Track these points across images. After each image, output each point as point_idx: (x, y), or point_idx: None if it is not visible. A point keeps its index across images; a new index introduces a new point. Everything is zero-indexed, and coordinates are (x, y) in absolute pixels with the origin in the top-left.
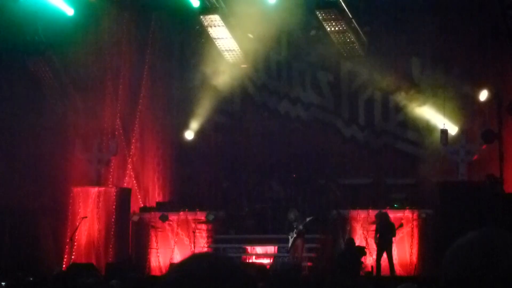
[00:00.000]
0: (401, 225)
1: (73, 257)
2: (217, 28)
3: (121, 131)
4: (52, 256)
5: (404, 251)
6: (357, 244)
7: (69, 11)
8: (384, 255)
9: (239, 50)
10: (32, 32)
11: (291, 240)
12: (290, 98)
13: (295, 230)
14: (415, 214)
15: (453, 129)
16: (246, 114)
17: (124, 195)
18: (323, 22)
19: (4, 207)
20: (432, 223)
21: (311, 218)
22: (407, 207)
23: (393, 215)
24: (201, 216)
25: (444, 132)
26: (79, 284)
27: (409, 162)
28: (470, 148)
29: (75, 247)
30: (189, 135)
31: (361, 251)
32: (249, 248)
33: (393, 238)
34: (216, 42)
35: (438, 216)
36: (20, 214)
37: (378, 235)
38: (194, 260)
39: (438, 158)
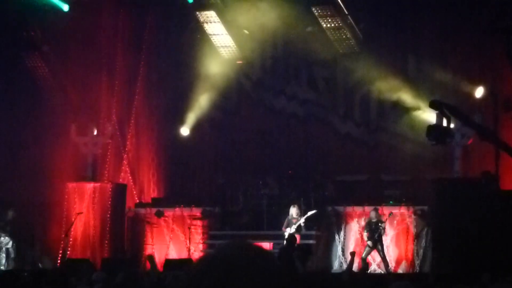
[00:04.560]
0: (390, 214)
1: (68, 252)
2: (212, 24)
3: (116, 127)
4: (47, 251)
5: (400, 248)
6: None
7: (64, 7)
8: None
9: (235, 46)
10: (28, 27)
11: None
12: (286, 94)
13: (293, 226)
14: (410, 211)
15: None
16: (242, 110)
17: (119, 191)
18: (319, 19)
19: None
20: (427, 220)
21: (313, 212)
22: (402, 204)
23: (388, 211)
24: (197, 212)
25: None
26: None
27: (405, 158)
28: (465, 132)
29: (70, 242)
30: (184, 131)
31: (307, 250)
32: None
33: (383, 234)
34: (211, 38)
35: (433, 213)
36: (14, 206)
37: (367, 233)
38: (227, 248)
39: (433, 155)
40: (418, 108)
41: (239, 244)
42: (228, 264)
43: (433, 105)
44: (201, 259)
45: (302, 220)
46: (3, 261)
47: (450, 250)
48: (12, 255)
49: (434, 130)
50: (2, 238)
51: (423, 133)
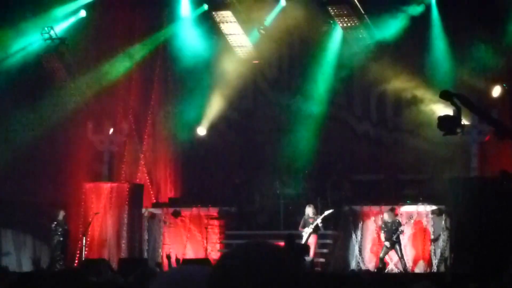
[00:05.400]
0: (411, 218)
1: (85, 252)
2: (229, 24)
3: (133, 127)
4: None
5: (417, 247)
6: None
7: (81, 13)
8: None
9: (251, 46)
10: (45, 29)
11: (305, 236)
12: (302, 94)
13: (310, 226)
14: (427, 210)
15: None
16: (258, 110)
17: (136, 191)
18: (335, 18)
19: (16, 201)
20: (444, 219)
21: (330, 211)
22: (420, 203)
23: (406, 211)
24: (214, 212)
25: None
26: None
27: (422, 157)
28: (482, 128)
29: (88, 242)
30: (201, 131)
31: (305, 249)
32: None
33: (400, 235)
34: (228, 38)
35: (451, 212)
36: (33, 208)
37: (384, 233)
38: (245, 248)
39: (450, 154)
40: (434, 107)
41: (256, 243)
42: (246, 263)
43: (443, 95)
44: (220, 258)
45: (319, 220)
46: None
47: (468, 249)
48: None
49: (444, 120)
50: (54, 239)
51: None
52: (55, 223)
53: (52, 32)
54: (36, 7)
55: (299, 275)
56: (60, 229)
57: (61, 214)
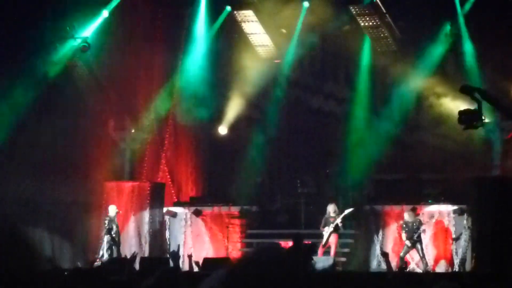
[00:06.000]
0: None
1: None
2: (250, 24)
3: (154, 127)
4: (86, 249)
5: (438, 247)
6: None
7: (104, 13)
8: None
9: (272, 45)
10: (67, 28)
11: (326, 235)
12: (323, 93)
13: (331, 225)
14: (449, 210)
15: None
16: (279, 109)
17: (158, 190)
18: (357, 17)
19: (37, 198)
20: (466, 219)
21: (350, 210)
22: (441, 203)
23: (427, 210)
24: (235, 211)
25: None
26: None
27: (443, 157)
28: (504, 126)
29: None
30: (222, 130)
31: (312, 249)
32: (282, 243)
33: (422, 234)
34: (249, 37)
35: (473, 212)
36: (55, 205)
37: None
38: (261, 251)
39: (472, 153)
40: (456, 106)
41: (264, 248)
42: (256, 266)
43: (464, 89)
44: (238, 263)
45: (339, 219)
46: (105, 254)
47: (490, 249)
48: (114, 254)
49: (464, 114)
50: (106, 236)
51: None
52: (108, 219)
53: (74, 32)
54: (59, 7)
55: (304, 275)
56: (113, 226)
57: (113, 210)
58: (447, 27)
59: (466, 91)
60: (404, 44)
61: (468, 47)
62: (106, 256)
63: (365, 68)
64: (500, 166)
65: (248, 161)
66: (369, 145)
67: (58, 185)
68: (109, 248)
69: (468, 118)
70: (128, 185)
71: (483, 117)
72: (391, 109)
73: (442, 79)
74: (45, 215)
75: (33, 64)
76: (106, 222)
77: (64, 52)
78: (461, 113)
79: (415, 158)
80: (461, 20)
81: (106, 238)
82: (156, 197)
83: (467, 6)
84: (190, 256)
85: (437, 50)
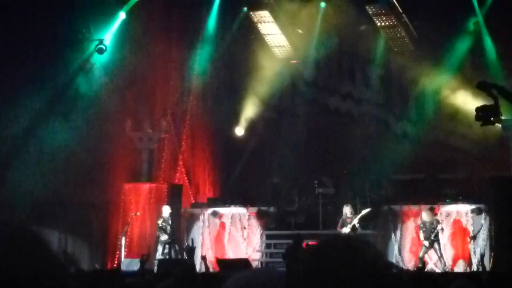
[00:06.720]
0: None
1: (125, 253)
2: (266, 24)
3: (172, 128)
4: (102, 250)
5: (456, 246)
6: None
7: (121, 14)
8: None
9: (289, 46)
10: (83, 30)
11: None
12: (340, 93)
13: (348, 226)
14: (467, 209)
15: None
16: (296, 110)
17: (175, 192)
18: (373, 17)
19: (55, 200)
20: (484, 218)
21: (367, 210)
22: (459, 202)
23: (445, 210)
24: (252, 212)
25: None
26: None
27: (461, 156)
28: None
29: (127, 243)
30: (239, 131)
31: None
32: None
33: (440, 233)
34: (266, 38)
35: (491, 211)
36: (72, 207)
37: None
38: (330, 242)
39: (490, 153)
40: (473, 106)
41: (329, 239)
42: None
43: (480, 86)
44: (305, 255)
45: (356, 220)
46: (160, 254)
47: (508, 248)
48: (172, 253)
49: (481, 110)
50: (161, 236)
51: (479, 130)
52: (162, 219)
53: (90, 34)
54: (75, 9)
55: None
56: (167, 227)
57: (166, 210)
58: (469, 25)
59: (482, 87)
60: (421, 44)
61: (488, 45)
62: (160, 256)
63: (382, 68)
64: None
65: (265, 162)
66: (387, 145)
67: (75, 187)
68: (168, 248)
69: (485, 114)
70: (145, 186)
71: (500, 112)
72: (408, 109)
73: (461, 78)
74: (63, 217)
75: (50, 66)
76: (160, 222)
77: (80, 54)
78: (478, 109)
79: (433, 158)
80: (480, 18)
81: (162, 237)
82: (174, 199)
83: (487, 3)
84: (204, 257)
85: (455, 49)
